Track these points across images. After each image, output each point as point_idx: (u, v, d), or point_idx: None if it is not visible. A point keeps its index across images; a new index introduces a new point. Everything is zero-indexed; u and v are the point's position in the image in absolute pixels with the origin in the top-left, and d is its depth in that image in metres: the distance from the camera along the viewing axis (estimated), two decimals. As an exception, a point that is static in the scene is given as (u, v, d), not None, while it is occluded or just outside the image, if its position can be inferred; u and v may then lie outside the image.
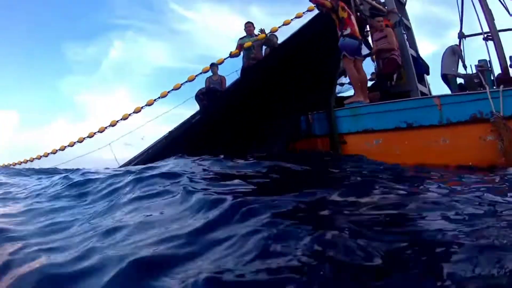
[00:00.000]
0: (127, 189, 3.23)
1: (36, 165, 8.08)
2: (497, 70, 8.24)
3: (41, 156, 8.15)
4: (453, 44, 8.87)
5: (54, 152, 8.08)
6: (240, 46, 8.13)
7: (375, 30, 7.80)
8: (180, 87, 7.62)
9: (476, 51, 9.13)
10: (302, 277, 1.51)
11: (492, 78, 8.12)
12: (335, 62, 7.12)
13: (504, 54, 8.05)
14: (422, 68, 7.90)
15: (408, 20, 8.45)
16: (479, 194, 3.09)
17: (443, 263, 1.61)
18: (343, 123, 6.64)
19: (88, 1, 46.91)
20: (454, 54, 8.55)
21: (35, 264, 1.79)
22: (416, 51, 8.12)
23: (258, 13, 50.79)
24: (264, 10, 51.24)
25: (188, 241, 1.84)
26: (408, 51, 7.64)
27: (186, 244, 1.81)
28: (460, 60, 8.65)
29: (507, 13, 8.57)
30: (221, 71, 8.68)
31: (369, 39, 8.31)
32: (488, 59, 8.47)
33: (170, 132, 7.49)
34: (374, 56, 8.09)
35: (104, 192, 3.32)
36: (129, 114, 7.62)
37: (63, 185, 3.87)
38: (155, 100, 7.61)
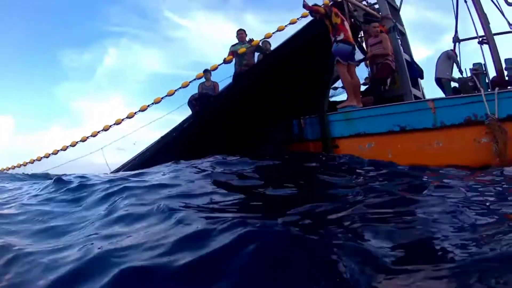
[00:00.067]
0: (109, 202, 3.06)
1: (30, 169, 8.05)
2: (492, 73, 8.24)
3: (34, 160, 8.09)
4: (447, 48, 8.87)
5: (47, 156, 8.00)
6: (232, 53, 8.07)
7: (368, 36, 7.79)
8: (173, 93, 7.56)
9: (470, 55, 9.12)
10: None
11: (487, 81, 8.08)
12: (328, 67, 7.13)
13: (499, 57, 8.04)
14: (416, 72, 7.89)
15: (402, 25, 8.48)
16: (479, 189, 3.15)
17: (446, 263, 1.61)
18: (336, 127, 6.61)
19: (83, 8, 47.36)
20: (449, 59, 8.54)
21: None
22: (410, 55, 8.12)
23: (253, 20, 51.02)
24: (259, 17, 51.63)
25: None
26: (402, 56, 7.65)
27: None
28: (455, 65, 8.62)
29: (499, 16, 8.52)
30: (214, 77, 8.70)
31: (363, 44, 8.34)
32: (483, 62, 8.46)
33: (163, 137, 7.43)
34: (367, 62, 8.05)
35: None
36: (122, 119, 7.55)
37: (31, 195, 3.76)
38: (148, 105, 7.54)
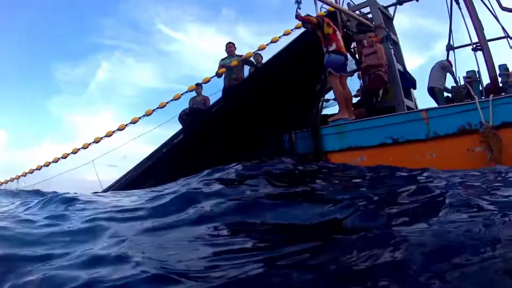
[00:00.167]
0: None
1: (22, 182, 8.03)
2: (486, 80, 8.12)
3: (26, 173, 8.07)
4: (440, 57, 8.82)
5: (39, 168, 7.98)
6: (222, 66, 8.01)
7: (361, 46, 7.73)
8: (165, 105, 7.54)
9: (463, 62, 9.04)
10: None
11: (480, 88, 7.96)
12: (320, 80, 7.11)
13: (493, 64, 7.91)
14: (409, 82, 7.82)
15: (395, 34, 8.46)
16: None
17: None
18: (328, 141, 6.55)
19: (76, 21, 47.41)
20: (443, 69, 8.48)
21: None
22: (403, 65, 8.08)
23: (245, 33, 51.29)
24: (251, 30, 51.92)
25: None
26: (395, 66, 7.61)
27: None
28: (451, 75, 8.52)
29: (491, 21, 8.44)
30: (205, 91, 8.62)
31: (356, 55, 8.32)
32: (476, 69, 8.36)
33: (153, 153, 7.35)
34: (360, 73, 7.99)
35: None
36: (113, 131, 7.51)
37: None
38: (139, 118, 7.50)
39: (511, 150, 5.04)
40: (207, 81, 7.97)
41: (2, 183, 8.31)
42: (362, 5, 8.31)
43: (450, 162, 5.32)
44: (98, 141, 7.53)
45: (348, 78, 7.47)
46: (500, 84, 7.71)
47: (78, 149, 7.69)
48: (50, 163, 7.91)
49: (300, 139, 6.77)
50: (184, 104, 8.45)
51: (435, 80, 8.26)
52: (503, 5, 8.28)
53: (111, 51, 48.62)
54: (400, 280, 1.53)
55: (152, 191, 4.07)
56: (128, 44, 48.96)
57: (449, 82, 8.41)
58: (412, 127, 5.90)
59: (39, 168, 7.95)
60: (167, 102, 7.49)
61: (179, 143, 7.22)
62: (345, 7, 8.14)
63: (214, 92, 8.18)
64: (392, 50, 7.77)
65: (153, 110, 7.46)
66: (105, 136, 7.50)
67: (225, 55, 8.49)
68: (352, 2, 8.35)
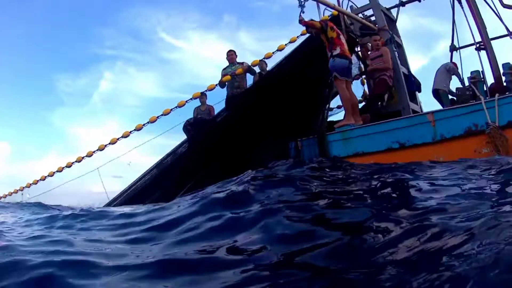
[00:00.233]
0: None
1: (27, 193, 7.98)
2: (490, 80, 8.09)
3: (30, 184, 8.00)
4: (442, 57, 8.81)
5: (43, 178, 7.95)
6: (226, 74, 7.97)
7: (366, 50, 7.70)
8: (169, 112, 7.50)
9: (466, 61, 8.96)
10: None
11: (485, 88, 7.92)
12: (327, 85, 7.03)
13: (497, 63, 7.88)
14: (413, 85, 7.75)
15: (399, 37, 8.38)
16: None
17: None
18: (334, 147, 6.53)
19: (77, 32, 47.51)
20: (448, 71, 8.43)
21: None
22: (408, 68, 8.02)
23: (247, 39, 51.26)
24: (252, 35, 51.94)
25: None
26: (399, 69, 7.54)
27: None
28: (457, 77, 8.47)
29: (492, 19, 8.40)
30: (209, 100, 8.59)
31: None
32: (480, 69, 8.30)
33: (158, 164, 7.34)
34: (364, 77, 7.99)
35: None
36: (118, 139, 7.48)
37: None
38: (144, 124, 7.47)
39: (518, 149, 5.00)
40: (212, 88, 7.88)
41: (6, 195, 8.26)
42: (365, 8, 8.25)
43: (456, 165, 5.35)
44: (103, 149, 7.51)
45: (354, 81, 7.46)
46: (504, 83, 7.70)
47: (83, 157, 7.63)
48: (54, 173, 7.85)
49: (306, 146, 6.75)
50: (188, 111, 8.40)
51: (440, 82, 8.22)
52: (505, 2, 8.29)
53: (113, 61, 48.71)
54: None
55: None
56: (130, 53, 49.04)
57: (454, 84, 8.38)
58: (419, 131, 5.89)
59: (43, 179, 7.91)
60: (171, 109, 7.46)
61: (184, 154, 7.21)
62: (348, 10, 8.10)
63: (218, 102, 8.13)
64: (396, 52, 7.69)
65: (157, 117, 7.43)
66: (109, 143, 7.47)
67: (227, 63, 8.47)
68: (355, 5, 8.29)
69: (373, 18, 8.20)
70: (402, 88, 7.39)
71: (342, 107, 7.21)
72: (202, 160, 6.66)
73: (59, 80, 46.58)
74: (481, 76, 8.18)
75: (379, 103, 7.46)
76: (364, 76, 8.45)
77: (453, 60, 9.08)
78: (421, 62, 36.15)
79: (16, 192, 8.15)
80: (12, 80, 40.20)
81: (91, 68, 50.06)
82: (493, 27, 8.45)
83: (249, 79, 8.32)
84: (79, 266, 1.97)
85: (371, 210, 2.56)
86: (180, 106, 7.52)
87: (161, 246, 2.37)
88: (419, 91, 8.05)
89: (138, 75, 49.41)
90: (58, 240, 2.65)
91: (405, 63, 8.05)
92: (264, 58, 7.93)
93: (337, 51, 6.58)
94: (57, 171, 7.81)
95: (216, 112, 8.34)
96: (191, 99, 7.75)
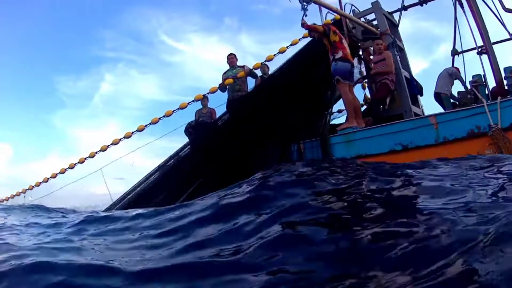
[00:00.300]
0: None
1: (29, 196, 7.92)
2: (491, 84, 8.12)
3: (33, 186, 7.95)
4: (443, 60, 8.84)
5: (46, 180, 7.88)
6: (225, 79, 7.95)
7: (368, 54, 7.73)
8: (171, 114, 7.44)
9: (467, 65, 9.01)
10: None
11: (486, 92, 7.96)
12: (329, 90, 7.11)
13: (498, 67, 7.92)
14: (415, 89, 7.81)
15: (401, 41, 8.44)
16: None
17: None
18: (336, 150, 6.54)
19: (78, 34, 47.63)
20: (450, 75, 8.48)
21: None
22: (410, 72, 8.06)
23: (247, 41, 51.51)
24: (253, 38, 52.16)
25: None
26: (401, 73, 7.59)
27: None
28: (460, 81, 8.51)
29: (493, 23, 8.45)
30: (211, 102, 8.60)
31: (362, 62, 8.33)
32: (482, 73, 8.36)
33: (160, 167, 7.33)
34: (365, 82, 8.03)
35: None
36: (120, 139, 7.44)
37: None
38: (146, 126, 7.41)
39: (521, 151, 5.03)
40: (214, 90, 7.84)
41: (9, 198, 8.20)
42: (367, 12, 8.32)
43: (459, 167, 5.38)
44: (105, 149, 7.46)
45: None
46: (506, 87, 7.73)
47: (85, 158, 7.59)
48: (57, 174, 7.81)
49: (308, 149, 6.76)
50: (189, 113, 8.43)
51: (442, 86, 8.26)
52: (507, 6, 8.34)
53: (114, 63, 48.90)
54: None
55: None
56: (131, 55, 49.26)
57: (457, 89, 8.42)
58: (422, 133, 5.91)
59: (45, 181, 7.85)
60: (173, 111, 7.42)
61: (187, 157, 7.21)
62: (350, 14, 8.14)
63: (220, 105, 8.12)
64: (398, 56, 7.75)
65: (160, 119, 7.39)
66: (111, 144, 7.43)
67: (227, 66, 8.48)
68: (357, 9, 8.34)
69: (375, 22, 8.27)
70: (404, 92, 7.43)
71: (342, 111, 7.24)
72: (204, 164, 6.65)
73: (60, 82, 46.89)
74: (483, 80, 8.24)
75: (381, 106, 7.47)
76: (365, 80, 8.49)
77: (455, 64, 9.15)
78: (421, 66, 36.27)
79: (18, 194, 8.07)
80: (13, 82, 40.44)
81: (92, 70, 50.32)
82: (495, 31, 8.53)
83: (250, 83, 8.34)
84: (101, 272, 1.96)
85: (390, 210, 2.58)
86: (182, 108, 7.48)
87: (173, 251, 2.34)
88: (421, 94, 8.10)
89: (139, 77, 49.56)
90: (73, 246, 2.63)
91: (407, 67, 8.10)
92: (265, 60, 7.89)
93: (339, 54, 6.61)
94: (59, 172, 7.77)
95: (217, 115, 8.32)
96: (193, 101, 7.69)
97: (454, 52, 9.23)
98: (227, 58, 8.50)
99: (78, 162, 7.65)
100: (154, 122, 7.39)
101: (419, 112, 7.67)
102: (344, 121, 7.07)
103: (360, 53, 8.22)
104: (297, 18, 6.64)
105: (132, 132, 7.41)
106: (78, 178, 7.35)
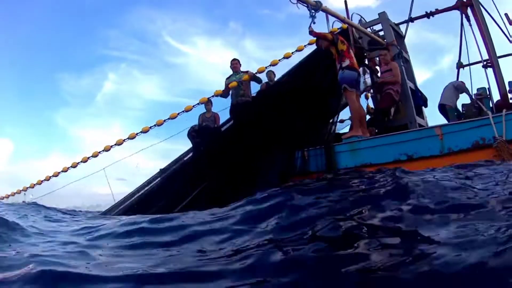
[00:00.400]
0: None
1: (30, 194, 7.80)
2: (495, 97, 8.18)
3: (34, 185, 7.82)
4: (447, 71, 8.92)
5: (48, 179, 7.77)
6: (228, 84, 7.87)
7: (373, 64, 7.76)
8: (176, 116, 7.38)
9: (468, 79, 9.04)
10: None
11: (491, 105, 8.00)
12: (335, 98, 7.11)
13: (503, 80, 7.96)
14: (420, 100, 7.83)
15: (407, 52, 8.49)
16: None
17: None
18: (341, 158, 6.54)
19: (82, 32, 47.62)
20: (456, 89, 8.52)
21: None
22: (415, 83, 8.11)
23: (252, 46, 51.37)
24: (257, 43, 52.14)
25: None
26: (407, 84, 7.63)
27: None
28: (466, 94, 8.53)
29: (499, 37, 8.50)
30: (215, 106, 8.53)
31: (368, 72, 8.41)
32: (487, 86, 8.40)
33: (162, 171, 7.29)
34: (368, 92, 8.06)
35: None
36: (124, 140, 7.35)
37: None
38: (150, 127, 7.35)
39: (525, 163, 5.03)
40: (218, 94, 7.79)
41: (9, 195, 8.06)
42: (374, 22, 8.37)
43: (463, 179, 5.39)
44: (108, 150, 7.38)
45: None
46: (510, 100, 7.78)
47: (88, 158, 7.49)
48: (59, 173, 7.71)
49: (313, 156, 6.75)
50: (194, 116, 8.35)
51: (446, 98, 8.31)
52: (512, 20, 8.41)
53: (117, 62, 48.77)
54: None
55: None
56: (135, 55, 49.14)
57: (460, 102, 8.48)
58: (427, 144, 5.92)
59: (47, 179, 7.75)
60: (178, 113, 7.38)
61: (190, 160, 7.19)
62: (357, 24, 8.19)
63: (223, 109, 8.12)
64: (404, 68, 7.78)
65: (164, 121, 7.35)
66: (115, 144, 7.36)
67: (231, 70, 8.42)
68: (363, 19, 8.41)
69: (381, 33, 8.31)
70: (409, 103, 7.47)
71: (344, 121, 7.24)
72: (208, 167, 6.63)
73: (63, 80, 46.69)
74: (487, 92, 8.30)
75: (385, 117, 7.49)
76: (370, 91, 8.52)
77: (459, 77, 9.21)
78: (425, 76, 36.25)
79: (19, 192, 7.95)
80: (17, 80, 40.38)
81: (96, 69, 50.26)
82: (500, 45, 8.57)
83: (254, 88, 8.27)
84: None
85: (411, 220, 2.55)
86: (187, 110, 7.42)
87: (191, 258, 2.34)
88: (426, 106, 8.13)
89: (142, 77, 49.52)
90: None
91: (412, 78, 8.15)
92: (270, 65, 7.85)
93: (347, 63, 6.64)
94: (62, 171, 7.67)
95: (221, 119, 8.32)
96: (198, 104, 7.63)
97: (460, 65, 9.29)
98: (231, 64, 8.44)
99: (82, 161, 7.55)
100: (159, 124, 7.33)
101: (423, 123, 7.70)
102: (346, 130, 7.07)
103: (366, 62, 8.25)
104: (302, 24, 6.68)
105: (137, 133, 7.34)
106: (82, 177, 7.23)
